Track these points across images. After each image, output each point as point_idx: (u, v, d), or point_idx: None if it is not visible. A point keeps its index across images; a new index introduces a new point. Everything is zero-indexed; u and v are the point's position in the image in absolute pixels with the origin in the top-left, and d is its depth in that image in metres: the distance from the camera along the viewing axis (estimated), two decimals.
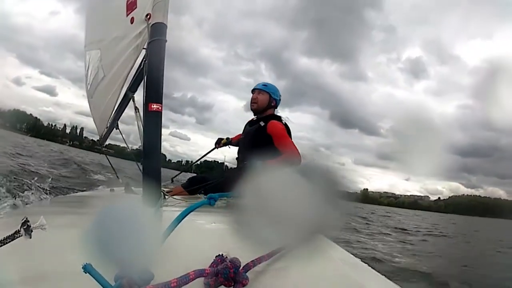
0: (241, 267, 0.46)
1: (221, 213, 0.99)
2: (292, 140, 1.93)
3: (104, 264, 0.36)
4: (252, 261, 0.49)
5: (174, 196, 1.55)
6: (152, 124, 1.15)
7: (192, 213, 0.52)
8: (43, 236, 0.42)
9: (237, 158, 2.11)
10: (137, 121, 1.41)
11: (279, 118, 1.99)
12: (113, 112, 1.66)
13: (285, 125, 1.97)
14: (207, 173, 2.10)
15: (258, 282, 0.49)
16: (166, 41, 1.19)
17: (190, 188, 1.78)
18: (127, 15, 1.36)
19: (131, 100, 1.60)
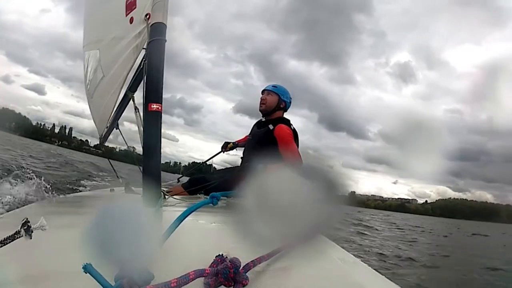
0: (241, 267, 0.46)
1: (221, 213, 0.99)
2: (299, 146, 1.92)
3: (104, 264, 0.36)
4: (252, 261, 0.49)
5: (174, 196, 1.55)
6: (152, 124, 1.15)
7: (192, 213, 0.52)
8: (43, 236, 0.42)
9: (242, 158, 2.10)
10: (137, 121, 1.41)
11: (287, 122, 1.97)
12: (113, 112, 1.66)
13: (293, 130, 1.95)
14: (204, 174, 2.10)
15: (258, 282, 0.49)
16: (165, 41, 1.19)
17: (190, 189, 1.78)
18: (126, 15, 1.36)
19: (131, 100, 1.60)
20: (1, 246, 0.41)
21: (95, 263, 0.37)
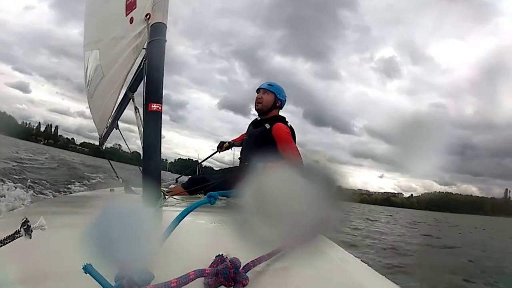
0: (241, 267, 0.46)
1: (221, 213, 0.99)
2: (296, 143, 1.92)
3: (104, 264, 0.36)
4: (252, 261, 0.49)
5: (174, 196, 1.55)
6: (152, 124, 1.15)
7: (192, 213, 0.52)
8: (43, 236, 0.42)
9: (239, 158, 2.10)
10: (137, 121, 1.41)
11: (284, 120, 1.97)
12: (113, 112, 1.66)
13: (290, 128, 1.95)
14: (204, 174, 2.10)
15: (258, 282, 0.49)
16: (166, 41, 1.19)
17: (190, 189, 1.78)
18: (126, 15, 1.36)
19: (131, 100, 1.60)
20: (1, 246, 0.41)
21: (95, 263, 0.37)
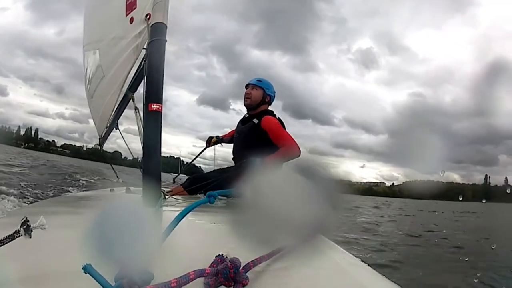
0: (241, 267, 0.46)
1: (221, 213, 0.99)
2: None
3: (104, 264, 0.36)
4: (252, 261, 0.49)
5: (174, 196, 1.55)
6: (152, 124, 1.15)
7: (192, 212, 0.52)
8: (43, 236, 0.42)
9: (233, 158, 2.09)
10: (137, 121, 1.41)
11: (272, 113, 1.96)
12: (113, 112, 1.66)
13: (279, 119, 1.94)
14: (205, 173, 2.09)
15: (258, 282, 0.49)
16: (166, 41, 1.19)
17: (190, 188, 1.78)
18: (127, 15, 1.36)
19: (131, 100, 1.60)
20: (1, 246, 0.41)
21: (95, 263, 0.37)
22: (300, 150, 1.78)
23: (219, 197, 0.58)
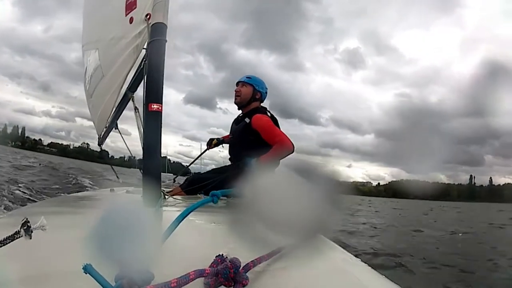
0: (241, 267, 0.46)
1: (221, 213, 0.99)
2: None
3: (104, 265, 0.36)
4: (252, 261, 0.49)
5: (174, 196, 1.55)
6: (152, 124, 1.15)
7: (192, 212, 0.52)
8: (43, 236, 0.42)
9: (229, 159, 2.08)
10: (137, 121, 1.41)
11: (263, 110, 1.94)
12: (112, 112, 1.66)
13: (272, 116, 1.92)
14: (207, 173, 2.09)
15: (258, 282, 0.49)
16: (166, 41, 1.19)
17: (189, 188, 1.78)
18: (126, 15, 1.36)
19: (131, 100, 1.60)
20: (1, 246, 0.41)
21: (95, 263, 0.37)
22: (293, 146, 1.76)
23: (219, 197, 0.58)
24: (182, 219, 0.49)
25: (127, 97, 1.64)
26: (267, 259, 0.53)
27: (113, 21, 1.47)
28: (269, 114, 1.93)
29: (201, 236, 0.82)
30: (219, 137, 2.28)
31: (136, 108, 1.48)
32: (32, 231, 0.40)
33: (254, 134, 1.82)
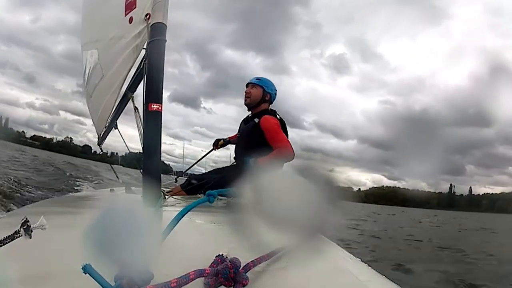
0: (241, 267, 0.46)
1: (221, 213, 0.99)
2: (288, 136, 1.90)
3: (104, 264, 0.36)
4: (252, 261, 0.49)
5: (174, 196, 1.55)
6: (152, 124, 1.15)
7: (191, 212, 0.52)
8: (43, 236, 0.42)
9: (234, 158, 2.09)
10: (137, 121, 1.41)
11: (273, 113, 1.95)
12: (112, 112, 1.66)
13: (280, 120, 1.93)
14: (205, 174, 2.09)
15: (258, 282, 0.49)
16: (166, 41, 1.19)
17: (188, 188, 1.78)
18: (126, 14, 1.36)
19: (131, 100, 1.60)
20: (1, 246, 0.41)
21: (95, 263, 0.37)
22: (293, 153, 1.77)
23: (219, 197, 0.58)
24: (180, 219, 0.49)
25: (126, 97, 1.64)
26: (267, 259, 0.53)
27: (113, 21, 1.47)
28: (278, 117, 1.94)
29: (201, 236, 0.82)
30: (226, 138, 2.28)
31: (136, 108, 1.48)
32: (32, 231, 0.40)
33: (261, 135, 1.83)
